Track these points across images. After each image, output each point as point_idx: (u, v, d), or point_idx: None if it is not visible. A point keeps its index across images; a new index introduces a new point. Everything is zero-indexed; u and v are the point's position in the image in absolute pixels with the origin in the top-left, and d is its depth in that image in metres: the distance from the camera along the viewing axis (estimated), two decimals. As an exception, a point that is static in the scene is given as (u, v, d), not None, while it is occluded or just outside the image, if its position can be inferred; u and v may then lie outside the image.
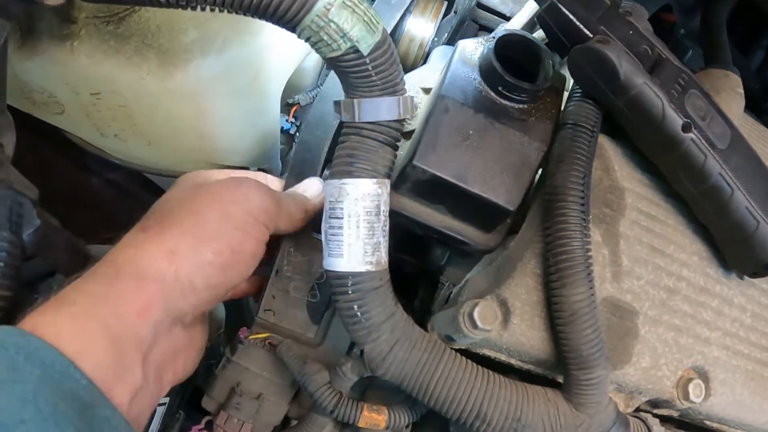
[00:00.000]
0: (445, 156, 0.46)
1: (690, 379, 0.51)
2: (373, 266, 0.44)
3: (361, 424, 0.50)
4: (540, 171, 0.50)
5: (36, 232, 0.39)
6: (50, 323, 0.33)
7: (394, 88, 0.44)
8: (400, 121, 0.45)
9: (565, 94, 0.52)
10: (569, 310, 0.44)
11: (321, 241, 0.46)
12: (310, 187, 0.51)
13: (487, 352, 0.49)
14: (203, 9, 0.41)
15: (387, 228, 0.46)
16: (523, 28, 0.58)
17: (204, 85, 0.50)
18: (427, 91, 0.54)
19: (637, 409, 0.53)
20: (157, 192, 0.67)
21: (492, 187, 0.46)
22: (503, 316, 0.46)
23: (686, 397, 0.51)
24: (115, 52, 0.48)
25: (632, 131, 0.49)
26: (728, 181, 0.47)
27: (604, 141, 0.51)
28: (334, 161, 0.46)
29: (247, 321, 0.59)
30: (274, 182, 0.52)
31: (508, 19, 0.65)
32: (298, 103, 0.64)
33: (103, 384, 0.32)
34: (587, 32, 0.46)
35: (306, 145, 0.53)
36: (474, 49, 0.50)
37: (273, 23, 0.41)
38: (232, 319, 0.62)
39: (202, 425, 0.56)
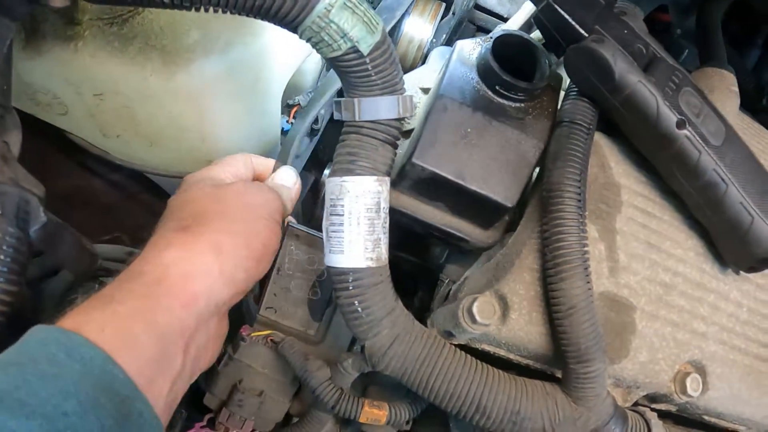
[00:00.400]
0: (443, 154, 0.46)
1: (687, 374, 0.52)
2: (373, 262, 0.45)
3: (362, 420, 0.51)
4: (538, 168, 0.51)
5: (42, 228, 0.39)
6: (94, 321, 0.34)
7: (393, 88, 0.45)
8: (400, 120, 0.46)
9: (562, 93, 0.52)
10: (567, 303, 0.44)
11: (321, 238, 0.47)
12: (287, 177, 0.52)
13: (486, 347, 0.50)
14: (206, 10, 0.41)
15: (387, 225, 0.47)
16: (520, 29, 0.59)
17: (206, 86, 0.51)
18: (425, 90, 0.55)
19: (636, 404, 0.54)
20: (159, 193, 0.67)
21: (490, 184, 0.47)
22: (502, 311, 0.47)
23: (683, 391, 0.52)
24: (119, 53, 0.48)
25: (628, 129, 0.50)
26: (723, 177, 0.48)
27: (600, 138, 0.51)
28: (334, 159, 0.46)
29: (246, 320, 0.60)
30: (261, 161, 0.53)
31: (505, 20, 0.66)
32: (299, 104, 0.64)
33: (142, 378, 0.34)
34: (582, 32, 0.47)
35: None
36: (472, 49, 0.51)
37: (275, 24, 0.42)
38: (232, 319, 0.63)
39: (204, 422, 0.56)
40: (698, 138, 0.47)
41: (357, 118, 0.45)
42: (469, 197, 0.47)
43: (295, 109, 0.64)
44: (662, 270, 0.51)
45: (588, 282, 0.45)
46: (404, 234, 0.60)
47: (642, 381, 0.51)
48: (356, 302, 0.45)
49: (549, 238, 0.45)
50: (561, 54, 0.49)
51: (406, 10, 0.66)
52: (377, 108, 0.45)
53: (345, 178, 0.45)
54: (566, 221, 0.45)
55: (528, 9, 0.59)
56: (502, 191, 0.47)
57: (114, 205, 0.69)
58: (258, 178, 0.52)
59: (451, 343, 0.48)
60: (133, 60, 0.49)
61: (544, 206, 0.46)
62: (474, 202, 0.48)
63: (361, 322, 0.46)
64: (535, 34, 0.59)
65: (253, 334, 0.55)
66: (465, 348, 0.49)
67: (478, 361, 0.47)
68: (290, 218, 0.58)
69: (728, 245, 0.52)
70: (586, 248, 0.45)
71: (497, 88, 0.48)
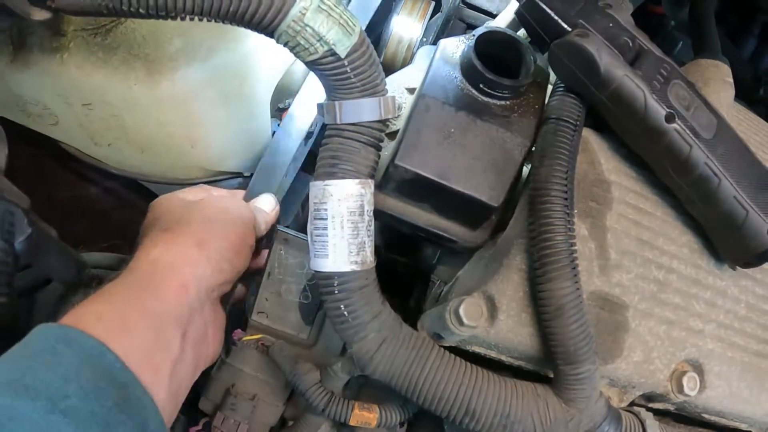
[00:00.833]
0: (427, 155, 0.46)
1: (684, 372, 0.51)
2: (358, 266, 0.45)
3: (352, 423, 0.51)
4: (529, 167, 0.50)
5: (28, 240, 0.40)
6: (91, 313, 0.37)
7: (374, 89, 0.45)
8: (382, 122, 0.46)
9: (550, 89, 0.52)
10: (555, 304, 0.44)
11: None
12: (266, 204, 0.56)
13: (476, 349, 0.49)
14: (182, 18, 0.42)
15: (372, 228, 0.46)
16: (508, 26, 0.58)
17: (191, 92, 0.51)
18: (411, 91, 0.55)
19: (632, 403, 0.53)
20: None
21: (475, 184, 0.46)
22: (489, 313, 0.46)
23: (681, 390, 0.51)
24: (104, 63, 0.49)
25: (616, 124, 0.49)
26: (715, 170, 0.47)
27: (589, 135, 0.51)
28: (317, 163, 0.46)
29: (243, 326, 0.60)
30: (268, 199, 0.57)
31: (494, 16, 0.65)
32: (289, 107, 0.64)
33: (140, 364, 0.36)
34: (566, 26, 0.46)
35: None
36: (455, 47, 0.50)
37: (251, 30, 0.42)
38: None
39: (200, 426, 0.57)
40: (688, 131, 0.46)
41: (338, 121, 0.45)
42: (454, 198, 0.47)
43: (285, 112, 0.64)
44: (655, 267, 0.50)
45: (576, 282, 0.44)
46: (396, 235, 0.60)
47: (637, 381, 0.50)
48: (342, 306, 0.45)
49: (536, 238, 0.45)
50: (545, 50, 0.48)
51: (395, 10, 0.66)
52: (358, 110, 0.44)
53: (328, 181, 0.45)
54: (553, 220, 0.44)
55: (516, 5, 0.58)
56: (487, 191, 0.46)
57: (110, 213, 0.69)
58: None
59: (441, 346, 0.48)
60: (117, 70, 0.49)
61: (531, 205, 0.46)
62: (459, 202, 0.47)
63: (347, 326, 0.46)
64: (523, 32, 0.58)
65: (244, 339, 0.55)
66: (456, 350, 0.48)
67: (468, 363, 0.47)
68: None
69: (723, 240, 0.50)
70: (573, 247, 0.44)
71: (481, 86, 0.48)
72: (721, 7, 0.65)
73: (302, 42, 0.42)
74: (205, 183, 0.61)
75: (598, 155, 0.50)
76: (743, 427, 0.58)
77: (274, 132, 0.65)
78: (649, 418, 0.50)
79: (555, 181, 0.45)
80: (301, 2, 0.40)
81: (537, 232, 0.44)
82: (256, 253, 0.54)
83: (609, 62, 0.45)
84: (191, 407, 0.64)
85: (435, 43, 0.65)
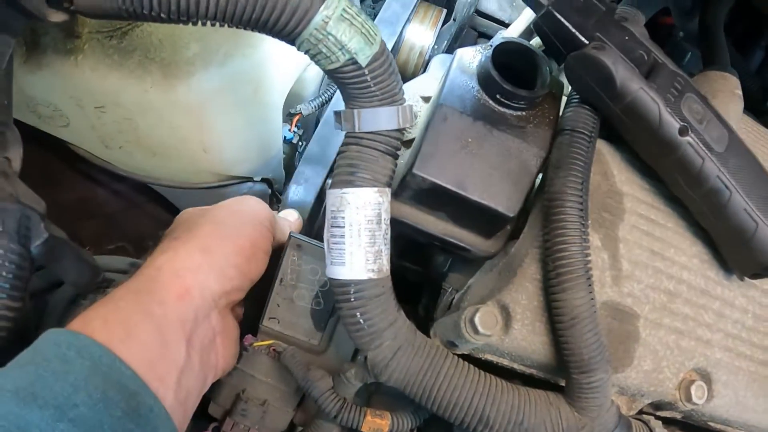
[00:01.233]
0: (444, 164, 0.46)
1: (692, 381, 0.52)
2: (375, 274, 0.45)
3: (364, 429, 0.51)
4: (540, 177, 0.50)
5: (44, 244, 0.40)
6: (99, 317, 0.37)
7: (393, 98, 0.45)
8: (400, 131, 0.46)
9: (565, 100, 0.52)
10: (569, 314, 0.44)
11: (323, 248, 0.47)
12: (291, 215, 0.58)
13: (489, 356, 0.49)
14: (203, 24, 0.41)
15: (388, 236, 0.47)
16: (521, 35, 0.59)
17: (206, 98, 0.51)
18: (426, 99, 0.55)
19: (640, 412, 0.54)
20: (163, 203, 0.68)
21: (491, 194, 0.47)
22: (504, 322, 0.47)
23: (689, 398, 0.51)
24: (119, 66, 0.49)
25: (630, 136, 0.49)
26: (726, 183, 0.47)
27: (602, 146, 0.51)
28: (335, 171, 0.46)
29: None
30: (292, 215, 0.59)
31: (506, 26, 0.66)
32: (300, 112, 0.64)
33: (148, 371, 0.36)
34: (583, 39, 0.46)
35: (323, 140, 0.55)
36: (472, 57, 0.50)
37: (273, 36, 0.42)
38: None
39: (209, 431, 0.56)
40: (701, 145, 0.47)
41: (357, 129, 0.45)
42: (470, 207, 0.47)
43: (297, 117, 0.64)
44: (666, 278, 0.51)
45: (591, 292, 0.45)
46: (407, 243, 0.60)
47: (646, 389, 0.51)
48: (358, 314, 0.45)
49: (551, 248, 0.45)
50: (561, 61, 0.48)
51: (408, 18, 0.66)
52: (377, 119, 0.45)
53: (345, 189, 0.45)
54: (568, 231, 0.44)
55: (529, 15, 0.59)
56: (504, 201, 0.47)
57: (118, 215, 0.69)
58: None
59: (454, 353, 0.48)
60: (133, 73, 0.49)
61: (546, 216, 0.46)
62: (475, 211, 0.47)
63: (363, 334, 0.46)
64: (536, 41, 0.58)
65: (255, 344, 0.55)
66: (468, 358, 0.49)
67: (481, 371, 0.47)
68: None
69: (732, 252, 0.51)
70: (588, 258, 0.45)
71: (498, 96, 0.48)
72: (730, 18, 0.65)
73: (324, 50, 0.42)
74: (215, 187, 0.61)
75: (611, 166, 0.51)
76: (748, 436, 0.59)
77: (285, 138, 0.65)
78: (658, 427, 0.50)
79: (570, 192, 0.45)
80: (324, 10, 0.41)
81: (552, 243, 0.45)
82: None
83: (625, 75, 0.46)
84: (201, 413, 0.64)
85: (447, 50, 0.66)
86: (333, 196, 0.45)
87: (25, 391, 0.31)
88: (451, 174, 0.46)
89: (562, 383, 0.49)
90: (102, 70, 0.49)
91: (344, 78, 0.44)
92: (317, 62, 0.43)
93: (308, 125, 0.66)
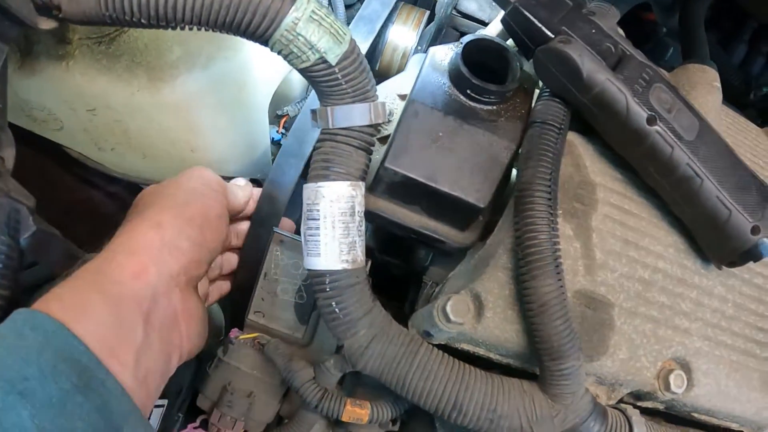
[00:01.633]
0: (416, 157, 0.48)
1: (671, 370, 0.52)
2: (349, 264, 0.47)
3: (344, 418, 0.52)
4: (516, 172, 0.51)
5: (33, 236, 0.42)
6: (56, 297, 0.38)
7: (365, 95, 0.47)
8: (373, 126, 0.47)
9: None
10: (538, 301, 0.45)
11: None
12: (239, 181, 0.57)
13: (465, 346, 0.50)
14: (182, 28, 0.44)
15: (362, 228, 0.48)
16: (499, 34, 0.60)
17: (192, 99, 0.53)
18: (403, 97, 0.56)
19: (621, 402, 0.54)
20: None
21: (462, 186, 0.48)
22: (476, 310, 0.48)
23: (668, 388, 0.52)
24: (107, 70, 0.51)
25: (600, 127, 0.50)
26: (697, 171, 0.48)
27: (574, 138, 0.52)
28: (311, 166, 0.48)
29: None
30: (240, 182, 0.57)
31: (486, 24, 0.67)
32: (287, 114, 0.66)
33: (102, 347, 0.36)
34: (549, 33, 0.48)
35: (299, 133, 0.56)
36: (444, 55, 0.52)
37: (247, 39, 0.44)
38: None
39: (197, 423, 0.58)
40: (670, 133, 0.47)
41: (330, 126, 0.47)
42: (442, 199, 0.48)
43: (284, 119, 0.66)
44: (641, 267, 0.51)
45: (560, 280, 0.45)
46: (389, 238, 0.61)
47: (624, 378, 0.51)
48: (333, 303, 0.47)
49: (520, 237, 0.46)
50: (531, 56, 0.50)
51: (390, 19, 0.68)
52: (350, 115, 0.46)
53: (320, 183, 0.47)
54: (536, 219, 0.45)
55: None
56: (474, 192, 0.48)
57: (112, 217, 0.71)
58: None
59: (431, 344, 0.49)
60: (121, 77, 0.52)
61: (516, 206, 0.47)
62: (448, 203, 0.49)
63: (339, 323, 0.47)
64: (512, 42, 0.60)
65: (240, 337, 0.56)
66: (445, 348, 0.50)
67: (455, 360, 0.48)
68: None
69: (708, 240, 0.51)
70: (557, 246, 0.46)
71: (468, 92, 0.49)
72: (713, 13, 0.66)
73: (295, 50, 0.44)
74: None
75: (583, 158, 0.52)
76: (734, 426, 0.59)
77: (273, 139, 0.67)
78: (635, 415, 0.51)
79: (539, 182, 0.46)
80: (294, 12, 0.42)
81: (521, 232, 0.46)
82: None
83: (591, 67, 0.47)
84: (190, 407, 0.66)
85: (427, 50, 0.67)
86: (308, 189, 0.47)
87: None
88: (422, 167, 0.48)
89: (538, 373, 0.50)
90: (92, 74, 0.52)
91: (316, 76, 0.45)
92: (289, 62, 0.45)
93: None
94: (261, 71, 0.57)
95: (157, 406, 0.59)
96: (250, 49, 0.55)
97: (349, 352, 0.48)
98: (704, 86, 0.59)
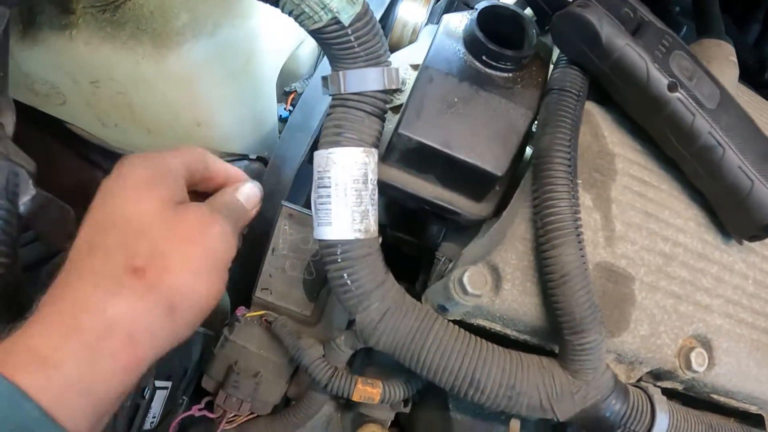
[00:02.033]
0: (430, 124, 0.46)
1: (692, 348, 0.50)
2: (361, 234, 0.45)
3: (355, 398, 0.50)
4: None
5: (32, 200, 0.40)
6: (31, 378, 0.30)
7: (377, 59, 0.45)
8: (386, 92, 0.46)
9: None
10: (560, 271, 0.43)
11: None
12: (252, 196, 0.46)
13: (481, 321, 0.49)
14: (190, -14, 0.42)
15: (375, 197, 0.46)
16: (515, 4, 0.59)
17: (197, 68, 0.52)
18: (415, 68, 0.55)
19: (639, 381, 0.52)
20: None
21: (478, 153, 0.46)
22: (494, 282, 0.46)
23: (689, 366, 0.50)
24: (112, 39, 0.50)
25: (619, 95, 0.49)
26: (719, 140, 0.46)
27: (592, 108, 0.51)
28: (322, 133, 0.46)
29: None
30: (217, 164, 0.45)
31: (498, -1, 0.66)
32: (295, 90, 0.65)
33: (59, 405, 0.30)
34: (567, -2, 0.46)
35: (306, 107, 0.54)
36: (459, 22, 0.51)
37: (257, -2, 0.43)
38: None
39: (202, 405, 0.56)
40: (691, 101, 0.46)
41: (342, 91, 0.45)
42: (457, 167, 0.47)
43: (292, 95, 0.65)
44: (661, 240, 0.50)
45: (581, 249, 0.44)
46: (401, 213, 0.60)
47: (644, 356, 0.49)
48: (345, 275, 0.45)
49: (539, 205, 0.44)
50: (548, 22, 0.48)
51: (400, -4, 0.67)
52: (362, 80, 0.45)
53: (331, 149, 0.45)
54: (556, 186, 0.44)
55: (518, -15, 0.59)
56: (491, 159, 0.46)
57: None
58: (209, 180, 0.44)
59: (446, 319, 0.47)
60: (125, 45, 0.50)
61: (535, 173, 0.46)
62: (463, 172, 0.47)
63: (350, 296, 0.45)
64: (529, 11, 0.58)
65: (247, 315, 0.55)
66: (460, 324, 0.48)
67: (471, 335, 0.46)
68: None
69: (729, 213, 0.50)
70: (578, 214, 0.44)
71: (484, 58, 0.48)
72: (726, -9, 0.65)
73: (306, 10, 0.42)
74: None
75: (601, 128, 0.50)
76: (753, 409, 0.57)
77: (281, 116, 0.66)
78: (657, 393, 0.49)
79: (557, 148, 0.45)
80: (306, -31, 0.41)
81: (541, 199, 0.44)
82: None
83: (610, 32, 0.45)
84: (196, 393, 0.64)
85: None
86: (319, 156, 0.46)
87: None
88: (437, 133, 0.46)
89: (556, 351, 0.48)
90: (95, 43, 0.50)
91: (328, 38, 0.44)
92: (301, 23, 0.44)
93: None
94: (269, 42, 0.56)
95: (159, 388, 0.57)
96: (258, 18, 0.53)
97: (360, 327, 0.46)
98: (721, 60, 0.58)
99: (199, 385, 0.58)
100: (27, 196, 0.40)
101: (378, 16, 0.59)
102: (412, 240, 0.60)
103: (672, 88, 0.46)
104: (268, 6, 0.42)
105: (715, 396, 0.54)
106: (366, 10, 0.44)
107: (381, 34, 0.45)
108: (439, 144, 0.46)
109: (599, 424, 0.47)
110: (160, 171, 0.39)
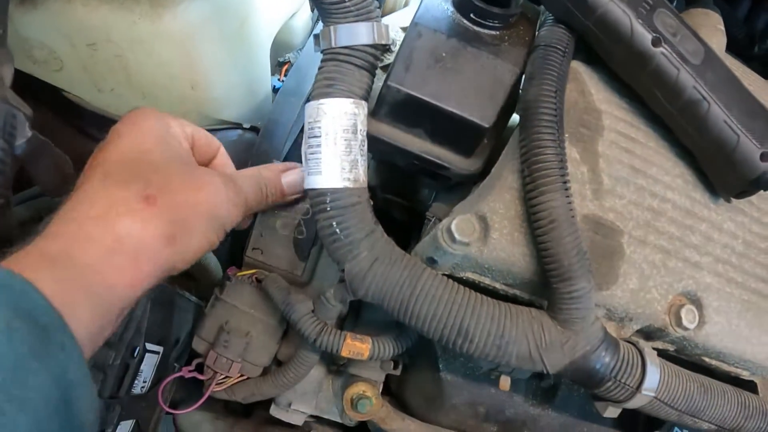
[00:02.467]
0: (419, 76, 0.47)
1: (682, 305, 0.50)
2: (351, 183, 0.45)
3: (344, 353, 0.50)
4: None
5: (28, 143, 0.41)
6: (35, 273, 0.31)
7: (368, 15, 0.46)
8: (375, 47, 0.47)
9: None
10: (547, 218, 0.44)
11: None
12: (294, 182, 0.53)
13: (470, 275, 0.49)
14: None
15: (365, 148, 0.47)
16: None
17: (193, 29, 0.53)
18: (405, 30, 0.56)
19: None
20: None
21: (466, 105, 0.47)
22: (482, 231, 0.46)
23: (679, 323, 0.50)
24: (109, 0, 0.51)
25: (605, 53, 0.50)
26: (704, 94, 0.47)
27: (579, 66, 0.51)
28: (313, 86, 0.47)
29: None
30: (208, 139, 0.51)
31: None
32: (289, 61, 0.66)
33: (64, 303, 0.31)
34: (553, -45, 0.48)
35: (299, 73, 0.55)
36: (448, -17, 0.52)
37: (250, -49, 0.44)
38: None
39: (192, 366, 0.56)
40: (675, 56, 0.47)
41: (333, 45, 0.46)
42: (446, 120, 0.47)
43: (285, 66, 0.66)
44: (649, 195, 0.50)
45: (568, 197, 0.44)
46: (391, 175, 0.60)
47: (634, 311, 0.49)
48: (334, 223, 0.45)
49: (526, 153, 0.45)
50: (536, -16, 0.50)
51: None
52: (353, 34, 0.46)
53: (322, 100, 0.46)
54: (543, 135, 0.44)
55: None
56: (478, 111, 0.47)
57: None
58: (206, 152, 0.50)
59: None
60: (123, 5, 0.51)
61: (521, 124, 0.46)
62: (451, 124, 0.48)
63: (340, 245, 0.46)
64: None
65: (238, 274, 0.55)
66: (450, 278, 0.48)
67: (460, 285, 0.46)
68: None
69: (716, 169, 0.50)
70: (564, 162, 0.45)
71: (472, 15, 0.49)
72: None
73: (298, -39, 0.43)
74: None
75: (588, 86, 0.51)
76: (744, 375, 0.57)
77: (275, 87, 0.66)
78: (647, 347, 0.49)
79: (543, 99, 0.45)
80: None
81: (527, 148, 0.45)
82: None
83: (595, -12, 0.46)
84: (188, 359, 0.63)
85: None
86: (310, 107, 0.46)
87: None
88: (425, 86, 0.47)
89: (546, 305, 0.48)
90: (93, 3, 0.52)
91: (319, -8, 0.45)
92: (293, -24, 0.45)
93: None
94: (265, 7, 0.57)
95: (150, 352, 0.57)
96: (253, -19, 0.55)
97: (350, 277, 0.46)
98: (708, 28, 0.59)
99: (191, 355, 0.58)
100: (23, 138, 0.40)
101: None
102: (402, 202, 0.60)
103: (656, 42, 0.47)
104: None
105: (706, 359, 0.54)
106: (356, -35, 0.45)
107: (371, -10, 0.47)
108: (428, 96, 0.47)
109: (589, 376, 0.47)
110: (170, 124, 0.45)
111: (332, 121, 0.45)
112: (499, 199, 0.47)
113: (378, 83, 0.49)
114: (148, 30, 0.52)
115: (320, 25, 0.56)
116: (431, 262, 0.48)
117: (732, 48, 0.61)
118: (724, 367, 0.55)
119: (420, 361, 0.60)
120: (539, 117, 0.45)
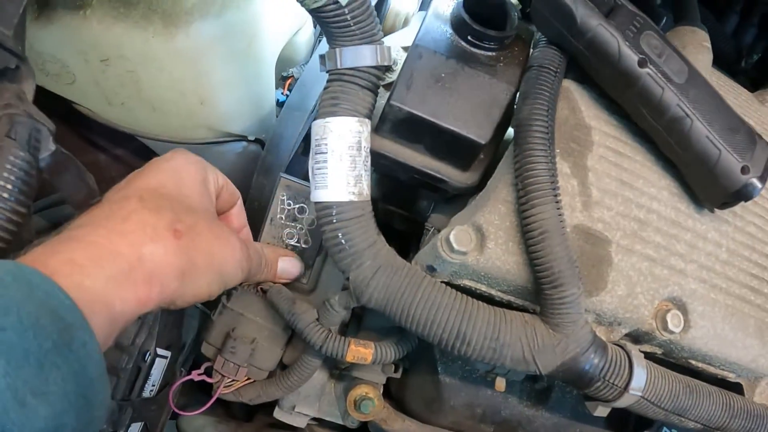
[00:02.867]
0: (419, 96, 0.50)
1: (668, 310, 0.53)
2: (355, 196, 0.48)
3: (348, 358, 0.53)
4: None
5: (52, 156, 0.43)
6: (64, 278, 0.33)
7: (372, 38, 0.49)
8: (378, 68, 0.50)
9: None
10: (539, 229, 0.46)
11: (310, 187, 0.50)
12: (291, 269, 0.58)
13: (467, 282, 0.52)
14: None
15: (368, 164, 0.50)
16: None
17: (204, 47, 0.56)
18: (407, 49, 0.59)
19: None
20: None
21: (464, 123, 0.50)
22: (478, 241, 0.49)
23: (665, 327, 0.53)
24: (124, 17, 0.53)
25: (594, 73, 0.53)
26: (687, 112, 0.50)
27: (570, 84, 0.54)
28: (319, 105, 0.50)
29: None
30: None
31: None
32: (292, 76, 0.69)
33: (87, 303, 0.33)
34: (545, -18, 0.50)
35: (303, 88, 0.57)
36: (447, 6, 0.55)
37: (260, -23, 0.47)
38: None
39: (201, 370, 0.58)
40: (660, 76, 0.50)
41: (339, 66, 0.49)
42: (444, 136, 0.50)
43: (289, 80, 0.69)
44: (636, 206, 0.53)
45: (559, 209, 0.47)
46: (393, 187, 0.63)
47: (622, 316, 0.52)
48: (340, 234, 0.48)
49: (520, 168, 0.48)
50: (529, 4, 0.52)
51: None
52: (357, 56, 0.49)
53: (328, 119, 0.49)
54: (535, 151, 0.47)
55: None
56: (475, 129, 0.50)
57: (119, 178, 0.73)
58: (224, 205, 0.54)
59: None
60: (137, 24, 0.54)
61: (515, 141, 0.49)
62: (450, 140, 0.50)
63: (345, 255, 0.48)
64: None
65: (244, 283, 0.57)
66: (448, 286, 0.51)
67: (458, 292, 0.49)
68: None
69: (700, 182, 0.53)
70: (555, 176, 0.47)
71: (469, 38, 0.52)
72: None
73: (307, -12, 0.46)
74: (211, 143, 0.64)
75: (579, 103, 0.54)
76: (731, 377, 0.59)
77: (278, 100, 0.69)
78: (634, 350, 0.52)
79: (536, 116, 0.48)
80: (307, -49, 0.45)
81: (521, 163, 0.48)
82: None
83: (584, 12, 0.49)
84: (193, 363, 0.66)
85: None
86: (317, 126, 0.49)
87: None
88: (425, 104, 0.50)
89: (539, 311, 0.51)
90: (108, 22, 0.54)
91: (327, 17, 0.48)
92: (302, 2, 0.48)
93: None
94: (270, 26, 0.60)
95: (160, 356, 0.60)
96: (261, 2, 0.57)
97: (354, 284, 0.49)
98: (695, 46, 0.62)
99: (197, 359, 0.61)
100: (47, 151, 0.43)
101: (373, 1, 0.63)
102: (403, 213, 0.63)
103: (642, 63, 0.50)
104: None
105: (693, 361, 0.57)
106: (361, -9, 0.48)
107: (375, 15, 0.49)
108: (427, 114, 0.49)
109: (579, 377, 0.50)
110: (208, 173, 0.49)
111: (338, 139, 0.48)
112: (494, 211, 0.49)
113: (381, 101, 0.52)
114: (161, 48, 0.55)
115: (324, 42, 0.58)
116: (431, 270, 0.51)
117: (720, 62, 0.64)
118: (711, 369, 0.58)
119: (419, 365, 0.62)
120: (532, 134, 0.48)
